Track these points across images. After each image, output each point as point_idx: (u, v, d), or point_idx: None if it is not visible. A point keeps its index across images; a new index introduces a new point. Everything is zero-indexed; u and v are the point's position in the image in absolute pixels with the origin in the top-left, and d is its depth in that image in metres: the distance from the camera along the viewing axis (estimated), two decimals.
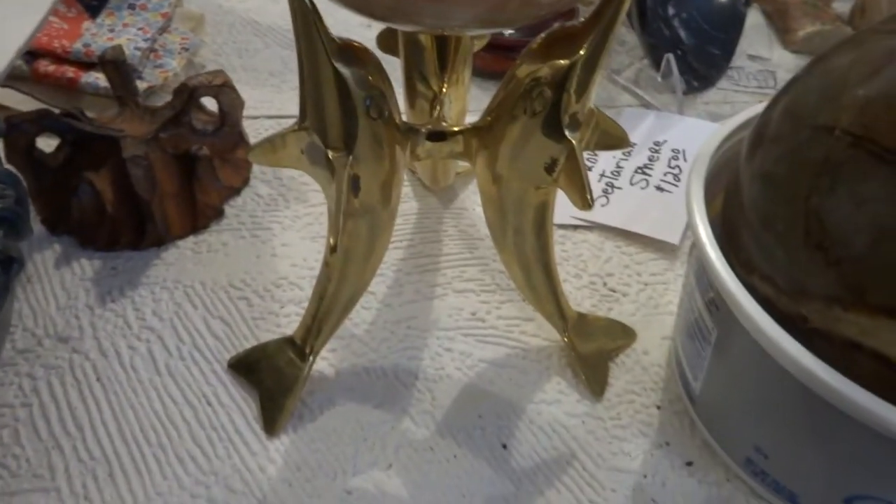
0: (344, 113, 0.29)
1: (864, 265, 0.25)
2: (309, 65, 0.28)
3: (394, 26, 0.32)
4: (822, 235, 0.26)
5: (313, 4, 0.26)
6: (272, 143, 0.31)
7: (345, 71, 0.28)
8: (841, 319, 0.26)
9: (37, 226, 0.45)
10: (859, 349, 0.26)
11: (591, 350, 0.40)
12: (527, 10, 0.25)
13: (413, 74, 0.39)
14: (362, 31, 0.59)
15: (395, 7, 0.25)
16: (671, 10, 0.60)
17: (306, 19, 0.26)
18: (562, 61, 0.29)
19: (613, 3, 0.28)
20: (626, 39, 0.64)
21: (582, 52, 0.28)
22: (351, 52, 0.28)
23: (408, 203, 0.49)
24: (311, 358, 0.37)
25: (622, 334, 0.41)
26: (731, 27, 0.64)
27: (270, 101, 0.58)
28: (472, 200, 0.50)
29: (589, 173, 0.50)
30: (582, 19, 0.29)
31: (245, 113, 0.49)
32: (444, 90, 0.38)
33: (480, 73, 0.59)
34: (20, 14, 0.43)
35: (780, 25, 0.67)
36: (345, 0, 0.25)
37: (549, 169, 0.32)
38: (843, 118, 0.26)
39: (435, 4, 0.24)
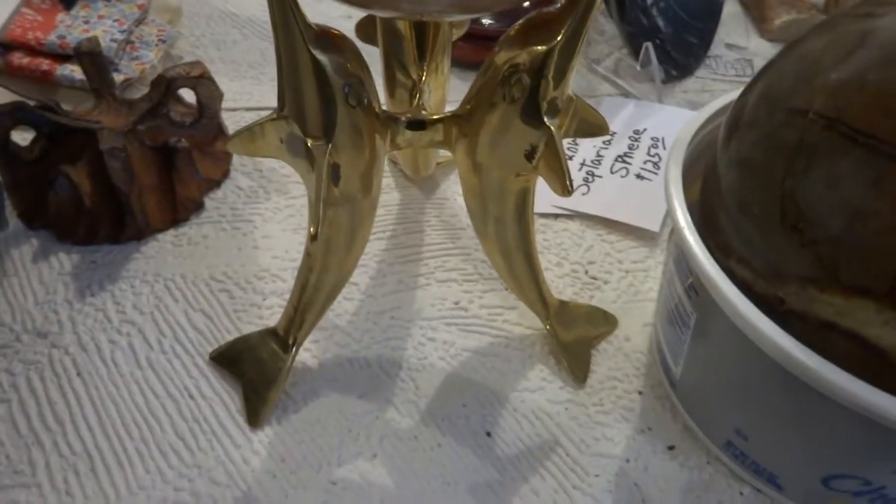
0: (322, 100, 0.28)
1: (839, 246, 0.26)
2: (286, 52, 0.27)
3: (373, 13, 0.32)
4: (798, 217, 0.27)
5: None
6: (251, 133, 0.31)
7: (322, 58, 0.27)
8: (816, 300, 0.26)
9: (13, 220, 0.45)
10: (835, 329, 0.26)
11: (574, 337, 0.40)
12: None
13: (392, 63, 0.39)
14: (342, 22, 0.59)
15: None
16: (649, 0, 0.60)
17: (283, 5, 0.26)
18: (539, 47, 0.29)
19: None
20: (604, 29, 0.64)
21: (559, 38, 0.28)
22: (328, 39, 0.28)
23: (389, 194, 0.49)
24: (294, 349, 0.37)
25: (604, 321, 0.41)
26: (708, 16, 0.64)
27: (250, 92, 0.57)
28: (453, 190, 0.50)
29: (569, 162, 0.51)
30: (559, 4, 0.29)
31: (224, 105, 0.49)
32: (423, 78, 0.38)
33: (460, 63, 0.59)
34: None
35: (757, 14, 0.68)
36: None
37: (529, 156, 0.32)
38: (816, 101, 0.27)
39: None
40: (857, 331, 0.26)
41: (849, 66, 0.27)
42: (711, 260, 0.30)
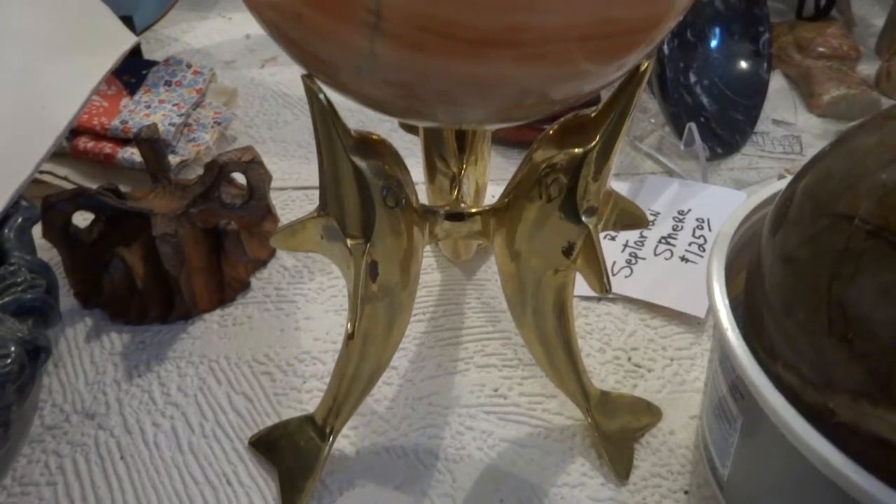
0: (362, 202, 0.29)
1: (891, 359, 0.24)
2: (328, 158, 0.28)
3: (413, 123, 0.33)
4: (846, 327, 0.26)
5: (330, 102, 0.27)
6: (292, 229, 0.32)
7: (361, 164, 0.28)
8: (869, 415, 0.25)
9: (69, 299, 0.47)
10: (890, 447, 0.25)
11: (616, 429, 0.39)
12: (541, 107, 0.26)
13: (433, 155, 0.40)
14: None
15: (409, 108, 0.25)
16: (693, 78, 0.61)
17: (324, 117, 0.27)
18: (576, 150, 0.29)
19: (625, 94, 0.28)
20: (648, 106, 0.65)
21: (596, 142, 0.29)
22: (368, 144, 0.29)
23: (430, 274, 0.49)
24: (331, 438, 0.37)
25: (647, 413, 0.40)
26: (754, 92, 0.64)
27: (298, 172, 0.59)
28: (493, 271, 0.50)
29: (612, 243, 0.51)
30: (596, 109, 0.30)
31: (273, 184, 0.51)
32: (462, 171, 0.38)
33: (501, 141, 0.60)
34: (65, 96, 0.45)
35: (805, 90, 0.67)
36: (362, 100, 0.26)
37: (567, 252, 0.32)
38: (861, 207, 0.26)
39: (448, 106, 0.24)
40: None
41: (894, 171, 0.26)
42: (756, 366, 0.29)
